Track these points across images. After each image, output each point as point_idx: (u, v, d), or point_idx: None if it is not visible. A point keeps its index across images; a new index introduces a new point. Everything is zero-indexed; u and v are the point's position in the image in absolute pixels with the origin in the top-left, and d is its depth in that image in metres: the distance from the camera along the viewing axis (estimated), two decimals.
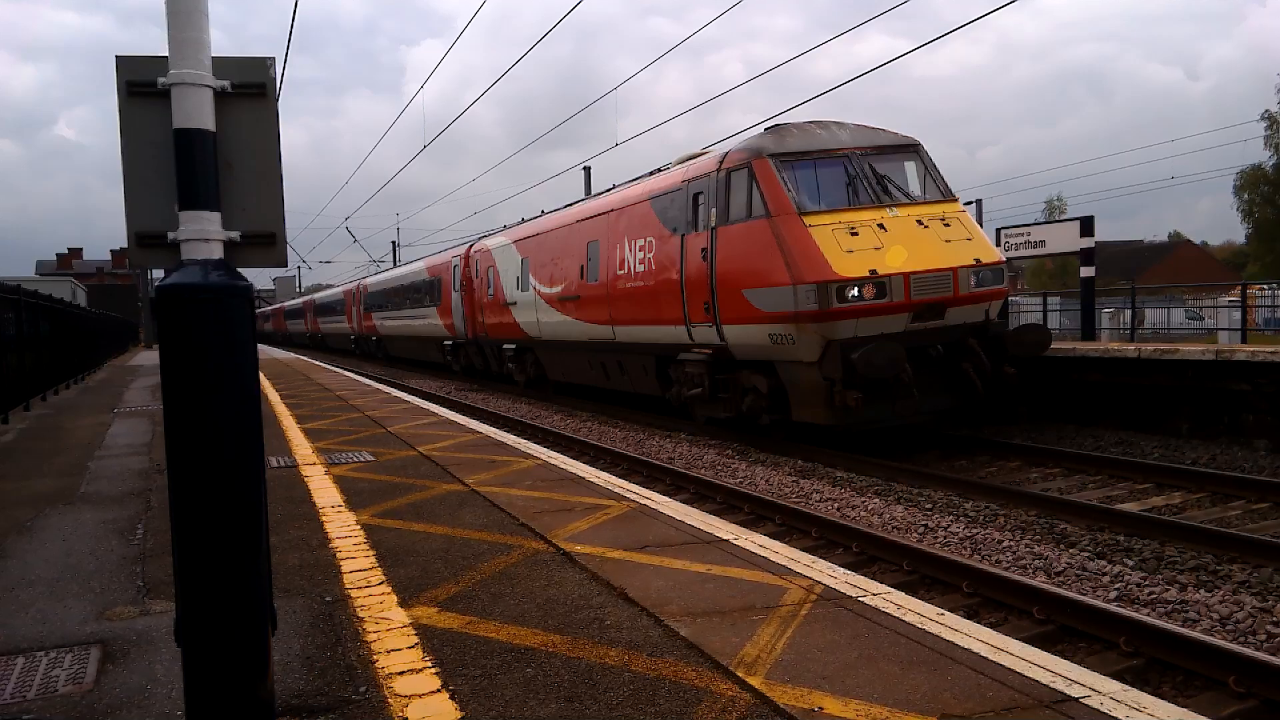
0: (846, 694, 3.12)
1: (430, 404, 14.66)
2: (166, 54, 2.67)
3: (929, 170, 12.09)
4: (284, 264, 2.98)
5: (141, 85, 2.71)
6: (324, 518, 6.07)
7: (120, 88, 2.71)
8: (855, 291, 10.42)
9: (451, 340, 26.00)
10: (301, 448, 9.34)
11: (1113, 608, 5.47)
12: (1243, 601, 5.78)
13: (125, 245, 2.80)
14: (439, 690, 3.24)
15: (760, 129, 12.53)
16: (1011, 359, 11.36)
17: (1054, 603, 5.61)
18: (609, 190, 17.12)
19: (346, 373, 24.32)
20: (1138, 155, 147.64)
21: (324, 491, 6.98)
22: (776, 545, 5.16)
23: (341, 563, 4.94)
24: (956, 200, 12.01)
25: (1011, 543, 7.25)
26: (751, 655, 3.46)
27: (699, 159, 13.51)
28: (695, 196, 12.72)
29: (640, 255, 14.13)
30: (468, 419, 12.12)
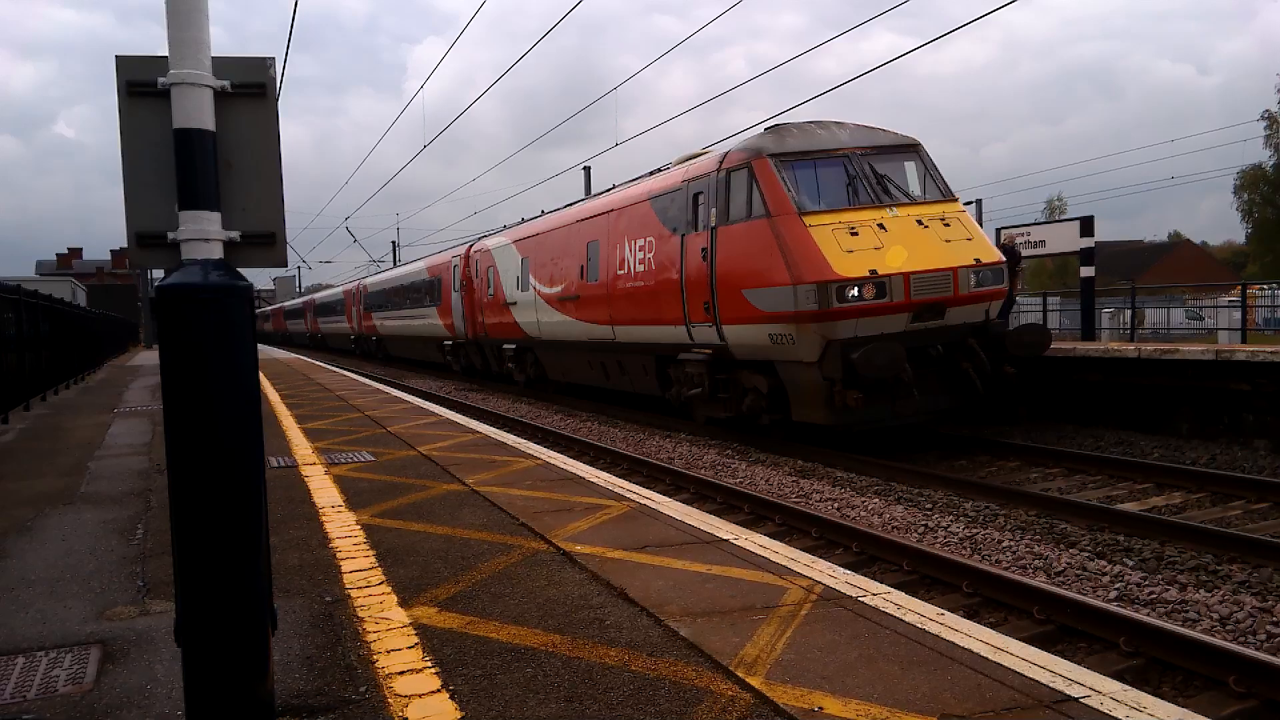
0: (846, 694, 3.12)
1: (430, 404, 14.66)
2: (166, 54, 2.68)
3: (929, 170, 12.10)
4: (284, 264, 2.98)
5: (141, 85, 2.71)
6: (324, 518, 6.07)
7: (120, 87, 2.71)
8: (855, 291, 10.42)
9: (451, 340, 26.00)
10: (301, 448, 9.34)
11: (1113, 608, 5.47)
12: (1243, 601, 5.78)
13: (125, 245, 2.80)
14: (439, 690, 3.24)
15: (762, 128, 12.54)
16: (1011, 359, 11.37)
17: (1054, 603, 5.61)
18: (609, 190, 17.12)
19: (346, 373, 24.32)
20: (1142, 154, 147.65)
21: (324, 491, 6.98)
22: (776, 545, 5.16)
23: (341, 563, 4.94)
24: (956, 200, 12.02)
25: (1011, 543, 7.25)
26: (751, 655, 3.46)
27: (699, 159, 13.51)
28: (695, 196, 12.72)
29: (640, 255, 14.13)
30: (468, 419, 12.12)
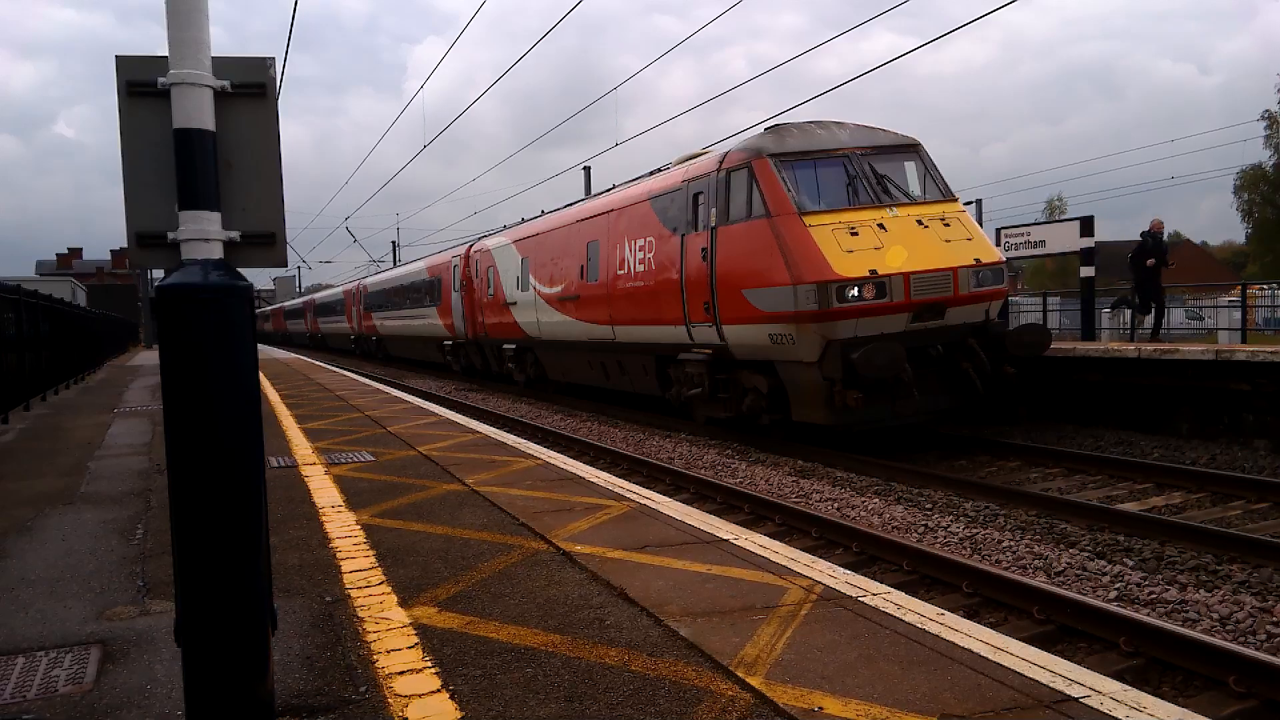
0: (846, 694, 3.12)
1: (430, 404, 14.66)
2: (166, 54, 2.67)
3: (929, 170, 12.10)
4: (284, 264, 2.98)
5: (141, 85, 2.71)
6: (324, 518, 6.07)
7: (120, 88, 2.71)
8: (855, 291, 10.42)
9: (451, 340, 26.00)
10: (301, 448, 9.34)
11: (1113, 608, 5.47)
12: (1243, 601, 5.78)
13: (125, 245, 2.80)
14: (439, 690, 3.24)
15: (762, 128, 12.55)
16: (1011, 359, 11.37)
17: (1054, 603, 5.61)
18: (609, 190, 17.13)
19: (346, 373, 24.32)
20: (1142, 154, 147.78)
21: (324, 491, 6.98)
22: (776, 545, 5.16)
23: (341, 563, 4.94)
24: (956, 200, 12.02)
25: (1011, 543, 7.25)
26: (751, 655, 3.46)
27: (699, 159, 13.51)
28: (695, 196, 12.72)
29: (640, 255, 14.13)
30: (468, 419, 12.12)
